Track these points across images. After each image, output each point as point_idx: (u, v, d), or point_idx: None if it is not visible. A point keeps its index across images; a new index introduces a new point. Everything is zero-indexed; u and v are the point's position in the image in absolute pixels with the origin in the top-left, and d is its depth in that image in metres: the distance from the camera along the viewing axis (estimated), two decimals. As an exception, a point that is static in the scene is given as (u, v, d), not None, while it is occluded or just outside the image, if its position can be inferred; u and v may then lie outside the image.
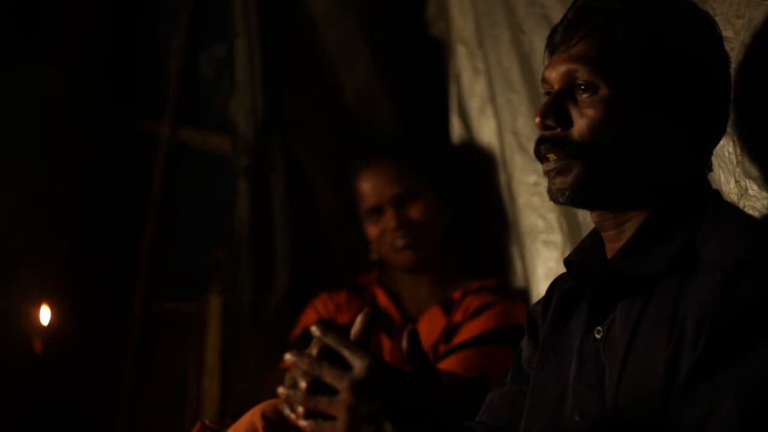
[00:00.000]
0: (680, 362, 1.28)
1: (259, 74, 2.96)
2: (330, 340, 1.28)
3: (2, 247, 2.89)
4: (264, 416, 1.68)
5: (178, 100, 3.19)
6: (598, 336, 1.42)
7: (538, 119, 1.44)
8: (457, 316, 2.41)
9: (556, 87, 1.45)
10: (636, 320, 1.36)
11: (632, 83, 1.41)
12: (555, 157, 1.44)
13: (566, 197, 1.44)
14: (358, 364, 1.26)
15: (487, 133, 2.61)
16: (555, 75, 1.45)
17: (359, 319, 1.34)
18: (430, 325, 2.43)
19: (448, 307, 2.45)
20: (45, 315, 2.54)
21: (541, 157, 1.46)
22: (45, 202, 3.02)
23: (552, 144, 1.44)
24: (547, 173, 1.46)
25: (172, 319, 3.18)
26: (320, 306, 2.59)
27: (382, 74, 2.99)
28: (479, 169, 2.66)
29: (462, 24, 2.70)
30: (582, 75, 1.42)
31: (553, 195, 1.45)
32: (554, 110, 1.43)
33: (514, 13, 2.37)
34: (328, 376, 1.26)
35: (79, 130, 3.12)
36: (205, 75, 3.20)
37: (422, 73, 2.96)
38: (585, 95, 1.42)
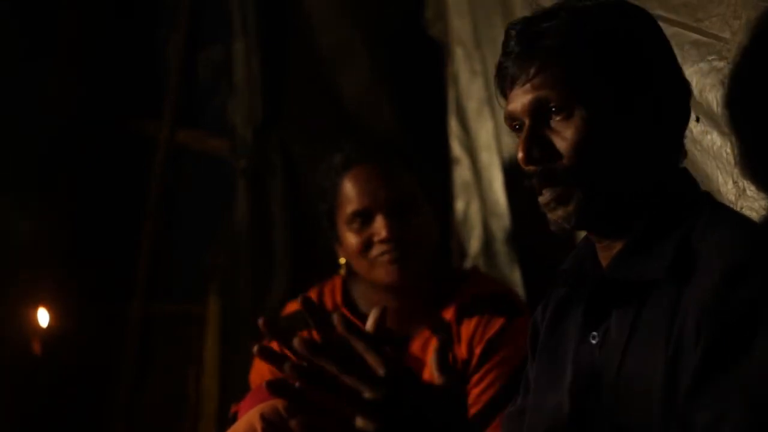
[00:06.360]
0: (680, 365, 1.28)
1: (257, 75, 2.96)
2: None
3: (0, 249, 2.89)
4: (263, 417, 1.69)
5: (177, 102, 3.19)
6: (593, 341, 1.41)
7: (521, 155, 1.41)
8: (461, 351, 2.10)
9: (526, 119, 1.42)
10: (632, 324, 1.36)
11: (600, 94, 1.39)
12: (550, 190, 1.41)
13: (572, 224, 1.41)
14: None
15: (484, 134, 2.62)
16: (521, 107, 1.42)
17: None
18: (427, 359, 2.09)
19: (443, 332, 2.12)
20: (43, 317, 2.54)
21: (535, 190, 1.43)
22: (43, 204, 3.02)
23: (544, 179, 1.40)
24: (545, 205, 1.42)
25: (172, 321, 3.18)
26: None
27: (381, 75, 2.99)
28: (476, 170, 2.66)
29: (460, 25, 2.70)
30: (554, 99, 1.39)
31: (558, 225, 1.42)
32: (536, 142, 1.41)
33: (512, 15, 2.36)
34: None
35: (77, 132, 3.12)
36: (204, 76, 3.20)
37: (421, 74, 2.96)
38: (558, 118, 1.39)
